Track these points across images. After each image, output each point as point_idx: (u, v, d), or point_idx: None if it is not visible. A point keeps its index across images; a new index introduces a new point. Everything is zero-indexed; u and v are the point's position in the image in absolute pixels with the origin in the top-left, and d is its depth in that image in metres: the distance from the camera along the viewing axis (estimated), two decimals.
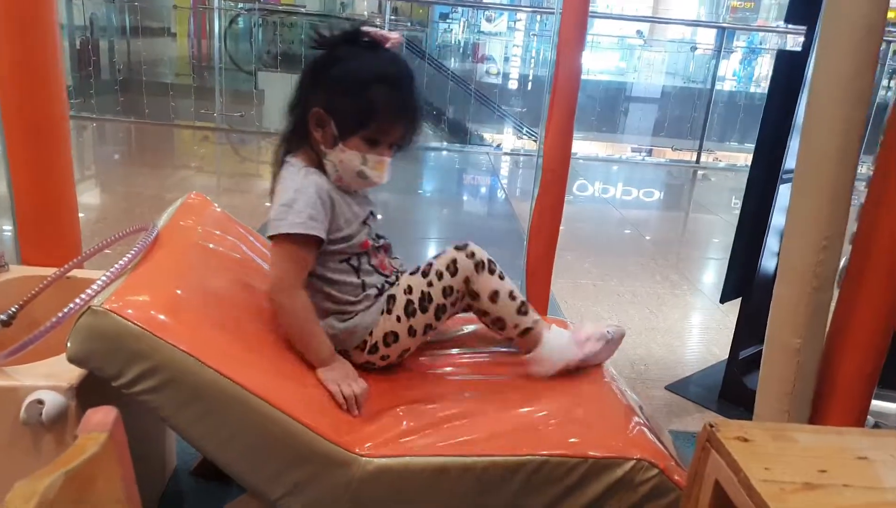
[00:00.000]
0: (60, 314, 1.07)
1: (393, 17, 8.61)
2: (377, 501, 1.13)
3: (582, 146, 7.72)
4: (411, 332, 1.35)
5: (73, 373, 1.10)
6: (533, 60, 9.17)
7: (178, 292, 1.17)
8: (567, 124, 1.75)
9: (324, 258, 1.30)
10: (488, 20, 10.15)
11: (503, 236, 4.61)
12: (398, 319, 1.34)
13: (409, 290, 1.34)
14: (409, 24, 9.22)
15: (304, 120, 1.27)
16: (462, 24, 10.34)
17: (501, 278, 1.35)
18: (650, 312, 3.18)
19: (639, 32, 10.79)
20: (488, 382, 1.39)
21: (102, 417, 0.64)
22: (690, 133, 8.06)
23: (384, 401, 1.28)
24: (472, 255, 1.33)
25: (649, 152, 8.51)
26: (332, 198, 1.27)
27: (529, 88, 8.99)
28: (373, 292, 1.35)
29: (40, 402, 1.06)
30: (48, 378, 1.09)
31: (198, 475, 1.66)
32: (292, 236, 1.22)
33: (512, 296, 1.36)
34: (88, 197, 4.15)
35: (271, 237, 1.24)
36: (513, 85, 9.03)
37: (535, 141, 8.00)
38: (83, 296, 1.08)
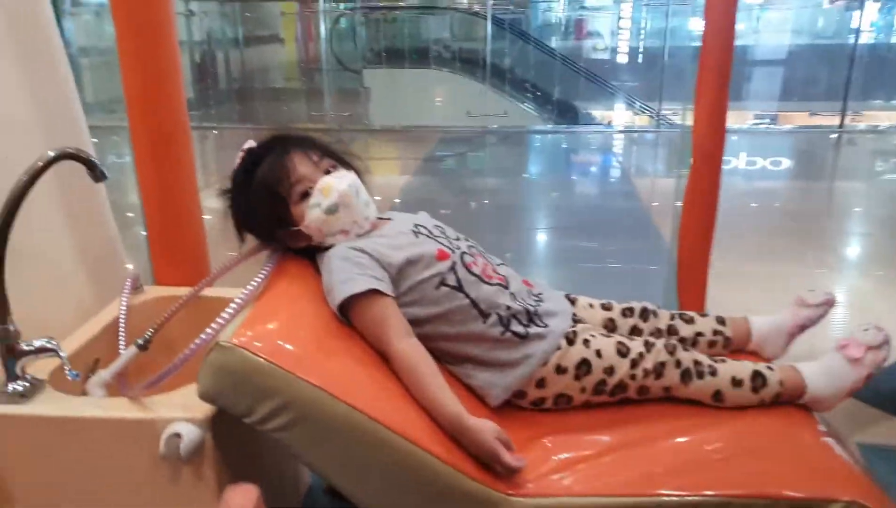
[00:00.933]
0: (192, 347, 1.02)
1: (493, 2, 8.41)
2: None
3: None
4: (586, 404, 1.21)
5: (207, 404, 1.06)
6: (643, 32, 8.66)
7: (305, 320, 1.10)
8: (720, 98, 1.53)
9: (419, 295, 1.16)
10: None
11: (625, 215, 4.35)
12: (582, 390, 1.19)
13: (611, 371, 1.18)
14: (510, 6, 8.98)
15: (286, 246, 1.26)
16: (563, 1, 9.96)
17: (714, 373, 1.19)
18: None
19: None
20: (649, 405, 1.22)
21: (242, 500, 0.54)
22: (827, 94, 7.29)
23: (531, 430, 1.15)
24: (679, 363, 1.19)
25: (773, 119, 7.82)
26: (356, 249, 1.17)
27: (640, 60, 8.50)
28: (494, 320, 1.17)
29: (178, 435, 1.03)
30: (184, 410, 1.05)
31: (331, 494, 1.62)
32: (352, 305, 1.12)
33: (736, 382, 1.18)
34: (214, 202, 4.32)
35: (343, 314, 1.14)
36: (622, 59, 8.58)
37: (651, 117, 7.56)
38: (213, 327, 1.04)
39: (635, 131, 7.46)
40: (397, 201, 4.34)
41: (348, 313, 1.13)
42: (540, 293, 1.29)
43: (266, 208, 1.21)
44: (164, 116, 1.45)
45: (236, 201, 1.25)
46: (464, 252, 1.23)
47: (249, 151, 1.24)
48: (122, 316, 1.35)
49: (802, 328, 1.37)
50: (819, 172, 5.73)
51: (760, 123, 7.71)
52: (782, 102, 8.09)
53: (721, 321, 1.37)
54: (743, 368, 1.20)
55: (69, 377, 1.05)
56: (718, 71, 1.51)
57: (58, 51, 1.37)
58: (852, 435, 1.83)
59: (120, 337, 1.33)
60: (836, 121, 6.91)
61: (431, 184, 5.19)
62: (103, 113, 6.90)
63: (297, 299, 1.16)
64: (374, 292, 1.11)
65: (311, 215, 1.19)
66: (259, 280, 1.14)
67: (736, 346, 1.36)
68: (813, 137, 6.88)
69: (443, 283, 1.17)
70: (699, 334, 1.34)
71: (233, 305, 1.07)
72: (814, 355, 1.28)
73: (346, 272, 1.13)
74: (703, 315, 1.38)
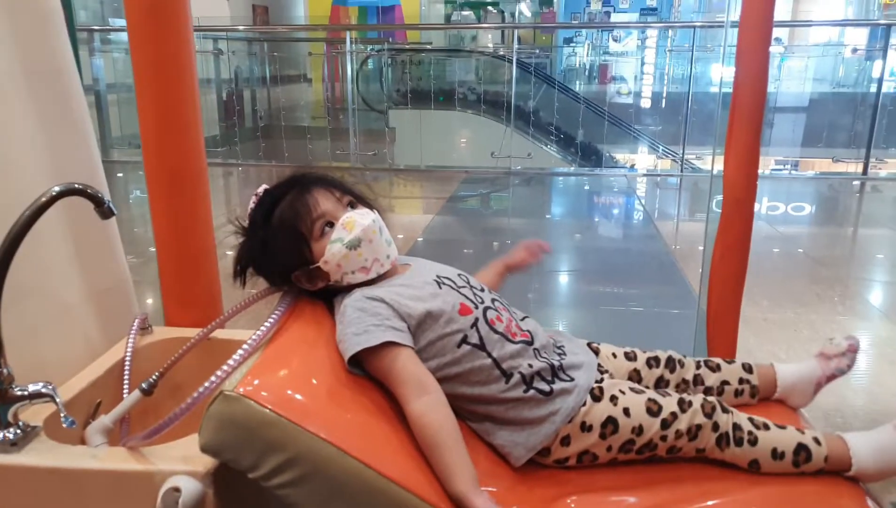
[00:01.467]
0: (195, 395, 0.96)
1: (518, 46, 8.52)
2: None
3: (720, 163, 7.14)
4: (612, 462, 1.13)
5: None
6: (667, 77, 8.70)
7: (318, 368, 1.04)
8: (753, 144, 1.47)
9: (438, 351, 1.10)
10: (616, 39, 9.79)
11: (648, 258, 4.27)
12: (608, 448, 1.11)
13: (640, 430, 1.10)
14: (536, 51, 9.09)
15: (300, 288, 1.21)
16: (587, 46, 10.07)
17: (754, 443, 1.10)
18: None
19: (777, 39, 9.94)
20: (680, 465, 1.14)
21: None
22: (850, 141, 7.22)
23: (555, 489, 1.08)
24: (717, 427, 1.11)
25: (795, 165, 7.76)
26: (373, 299, 1.11)
27: (664, 105, 8.51)
28: (517, 379, 1.11)
29: (176, 490, 0.96)
30: (184, 462, 0.99)
31: None
32: (366, 358, 1.06)
33: (777, 455, 1.10)
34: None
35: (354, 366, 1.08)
36: (646, 104, 8.61)
37: (674, 161, 7.52)
38: (218, 374, 0.98)
39: (658, 175, 7.41)
40: (420, 239, 4.30)
41: (363, 365, 1.07)
42: (562, 346, 1.22)
43: (286, 247, 1.16)
44: (181, 155, 1.42)
45: (251, 243, 1.20)
46: (487, 307, 1.16)
47: (267, 192, 1.20)
48: (128, 358, 1.30)
49: (831, 378, 1.32)
50: (843, 219, 5.62)
51: (783, 169, 7.65)
52: (805, 148, 8.04)
53: (748, 368, 1.31)
54: (787, 439, 1.11)
55: (64, 425, 1.00)
56: (750, 117, 1.45)
57: (75, 90, 1.35)
58: (887, 495, 1.72)
59: (124, 380, 1.28)
60: (859, 168, 6.83)
61: (454, 224, 5.16)
62: (129, 148, 7.03)
63: (310, 344, 1.09)
64: (389, 345, 1.05)
65: (332, 250, 1.14)
66: (270, 324, 1.09)
67: (762, 395, 1.30)
68: (836, 184, 6.79)
69: (465, 341, 1.10)
70: (725, 382, 1.28)
71: (240, 351, 1.01)
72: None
73: (360, 324, 1.06)
74: (730, 362, 1.31)
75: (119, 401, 1.20)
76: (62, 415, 0.99)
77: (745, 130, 1.47)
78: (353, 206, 1.20)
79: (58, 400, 1.01)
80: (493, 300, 1.19)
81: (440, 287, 1.15)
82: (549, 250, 1.43)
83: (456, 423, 1.03)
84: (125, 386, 1.27)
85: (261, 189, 1.22)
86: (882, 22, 9.44)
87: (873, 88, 7.11)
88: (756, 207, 1.58)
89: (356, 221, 1.16)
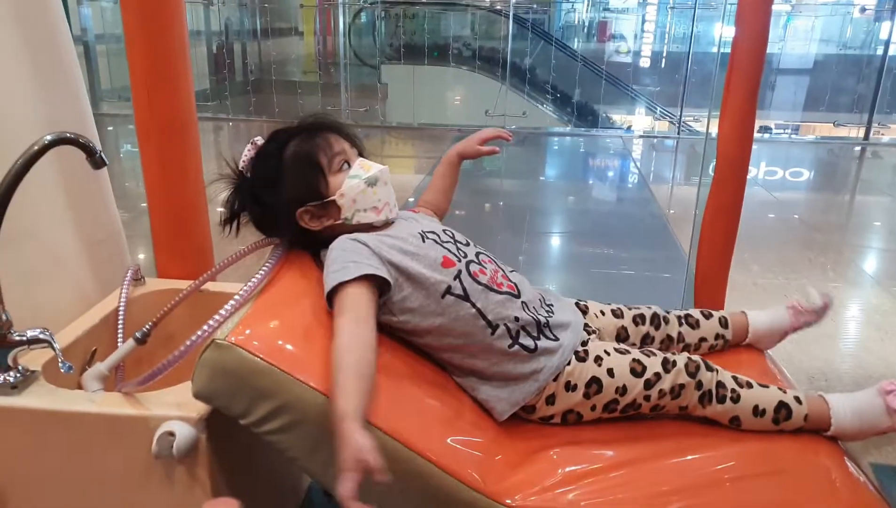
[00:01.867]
0: (187, 344, 0.99)
1: (516, 1, 8.35)
2: None
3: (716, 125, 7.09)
4: (596, 421, 1.17)
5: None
6: (668, 36, 8.55)
7: (308, 318, 1.06)
8: (749, 105, 1.47)
9: (422, 302, 1.10)
10: None
11: (642, 222, 4.29)
12: (593, 408, 1.15)
13: (623, 390, 1.13)
14: (533, 6, 8.91)
15: (302, 230, 1.19)
16: (587, 1, 9.86)
17: (736, 399, 1.13)
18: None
19: None
20: (662, 421, 1.17)
21: None
22: (853, 105, 7.15)
23: (538, 441, 1.11)
24: (700, 385, 1.13)
25: (795, 129, 7.71)
26: (357, 241, 1.12)
27: (663, 65, 8.40)
28: (503, 331, 1.12)
29: (171, 434, 1.00)
30: (178, 408, 1.02)
31: (331, 496, 1.58)
32: (338, 294, 1.05)
33: (758, 412, 1.13)
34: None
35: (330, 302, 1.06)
36: (644, 63, 8.48)
37: (672, 123, 7.48)
38: (210, 323, 1.00)
39: (655, 137, 7.38)
40: (411, 200, 4.30)
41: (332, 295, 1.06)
42: (551, 304, 1.24)
43: (300, 177, 1.15)
44: (171, 106, 1.42)
45: (256, 179, 1.18)
46: (470, 260, 1.17)
47: (278, 130, 1.21)
48: (122, 308, 1.32)
49: (798, 330, 1.41)
50: (841, 185, 5.63)
51: (783, 133, 7.60)
52: (806, 111, 7.97)
53: (724, 324, 1.38)
54: (769, 397, 1.14)
55: (62, 370, 1.02)
56: (748, 78, 1.45)
57: (64, 40, 1.34)
58: (866, 456, 1.78)
59: (118, 329, 1.30)
60: (860, 133, 6.80)
61: None
62: (119, 100, 6.92)
63: (300, 296, 1.11)
64: (363, 279, 1.04)
65: (350, 184, 1.16)
66: (262, 275, 1.10)
67: (734, 342, 1.40)
68: (836, 149, 6.77)
69: (449, 292, 1.11)
70: (703, 339, 1.36)
71: (232, 301, 1.03)
72: None
73: (340, 262, 1.07)
74: (708, 317, 1.38)
75: (113, 350, 1.22)
76: (60, 360, 1.02)
77: (742, 89, 1.46)
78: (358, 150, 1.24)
79: (55, 346, 1.03)
80: (477, 254, 1.21)
81: (424, 241, 1.17)
82: (510, 139, 1.44)
83: (373, 366, 0.98)
84: (119, 335, 1.29)
85: (257, 139, 1.22)
86: None
87: (880, 51, 7.01)
88: (753, 172, 1.59)
89: (372, 164, 1.20)
